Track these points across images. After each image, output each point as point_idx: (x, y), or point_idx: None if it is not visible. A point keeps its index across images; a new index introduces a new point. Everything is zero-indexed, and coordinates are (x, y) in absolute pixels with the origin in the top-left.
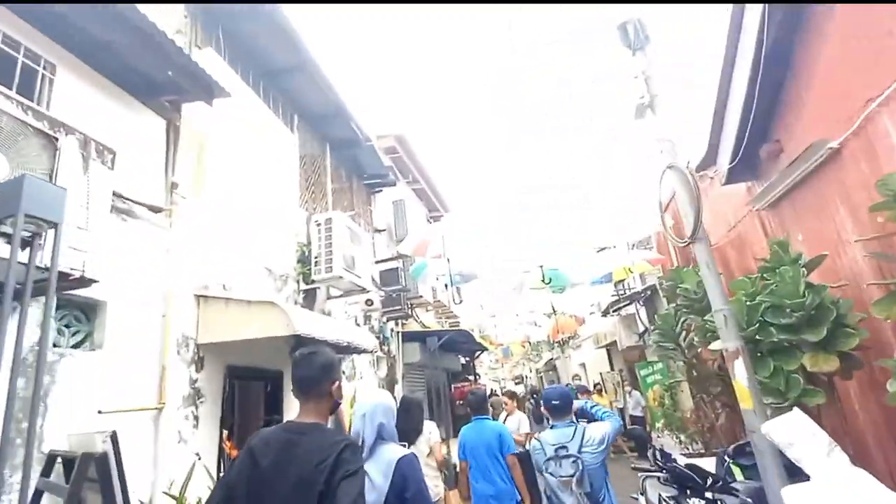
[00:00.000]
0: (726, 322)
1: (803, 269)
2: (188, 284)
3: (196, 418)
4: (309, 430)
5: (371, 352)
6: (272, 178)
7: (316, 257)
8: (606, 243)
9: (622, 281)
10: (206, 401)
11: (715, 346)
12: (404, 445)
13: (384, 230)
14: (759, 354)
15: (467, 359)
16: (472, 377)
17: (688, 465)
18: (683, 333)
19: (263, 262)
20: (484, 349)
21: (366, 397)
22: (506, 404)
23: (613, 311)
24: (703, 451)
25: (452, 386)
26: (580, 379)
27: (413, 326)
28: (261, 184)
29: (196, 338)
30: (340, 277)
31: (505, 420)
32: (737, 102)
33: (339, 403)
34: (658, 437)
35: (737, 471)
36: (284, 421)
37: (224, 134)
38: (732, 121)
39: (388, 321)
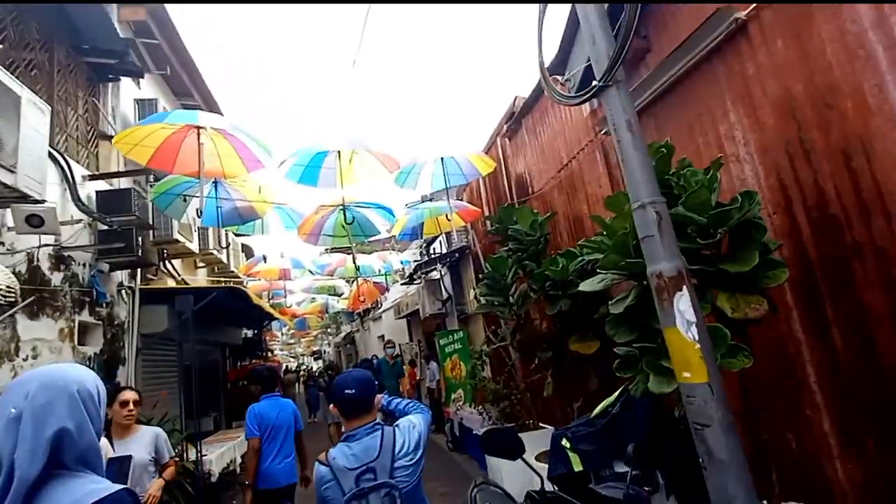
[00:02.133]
0: (659, 225)
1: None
2: None
3: None
4: None
5: (3, 304)
6: None
7: None
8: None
9: (431, 241)
10: None
11: (588, 285)
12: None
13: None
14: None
15: (254, 331)
16: (262, 353)
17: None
18: (514, 286)
19: None
20: (272, 318)
21: (26, 375)
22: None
23: (419, 276)
24: (512, 426)
25: (238, 364)
26: (393, 347)
27: (166, 284)
28: None
29: None
30: None
31: None
32: None
33: None
34: (457, 410)
35: (574, 459)
36: None
37: None
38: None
39: (110, 270)
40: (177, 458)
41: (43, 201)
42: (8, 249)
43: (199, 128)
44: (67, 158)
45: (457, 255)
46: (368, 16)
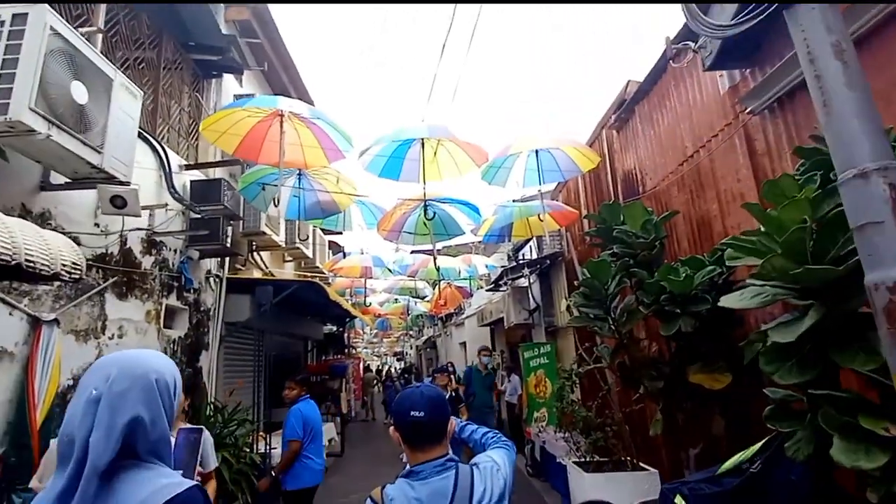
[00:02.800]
0: (894, 206)
1: None
2: None
3: None
4: None
5: (63, 278)
6: None
7: None
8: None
9: (521, 245)
10: None
11: (733, 300)
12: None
13: None
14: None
15: (337, 328)
16: (345, 349)
17: None
18: (617, 298)
19: None
20: (351, 316)
21: (107, 358)
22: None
23: (505, 282)
24: (604, 461)
25: (323, 358)
26: (490, 355)
27: (252, 275)
28: None
29: None
30: (32, 130)
31: None
32: None
33: None
34: (539, 432)
35: None
36: None
37: None
38: None
39: (200, 258)
40: (245, 453)
41: (128, 183)
42: (102, 231)
43: (281, 116)
44: (166, 148)
45: (548, 261)
46: (457, 8)
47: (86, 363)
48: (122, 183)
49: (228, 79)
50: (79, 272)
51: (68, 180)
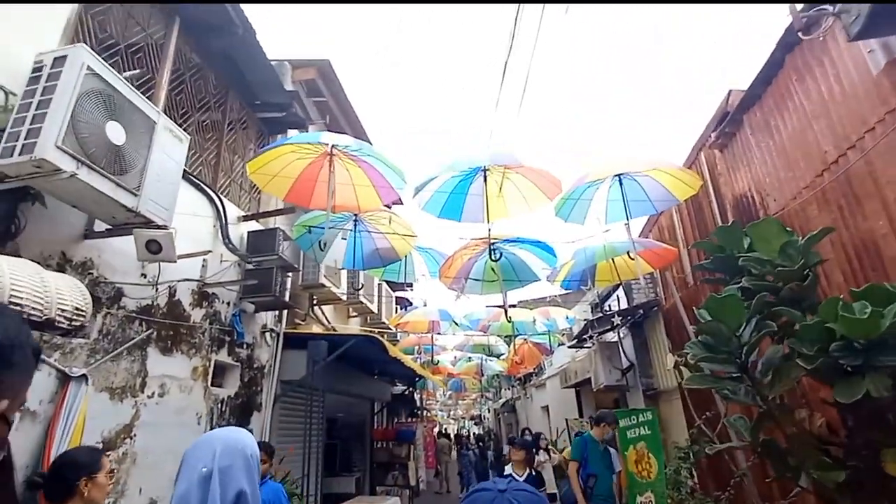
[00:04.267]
0: None
1: None
2: None
3: None
4: None
5: (60, 325)
6: None
7: (17, 119)
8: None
9: (607, 296)
10: None
11: None
12: None
13: None
14: None
15: (408, 388)
16: (418, 412)
17: None
18: (754, 348)
19: None
20: (417, 376)
21: (209, 436)
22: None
23: (591, 336)
24: None
25: (395, 421)
26: (530, 434)
27: (312, 330)
28: None
29: None
30: (58, 170)
31: None
32: None
33: None
34: None
35: None
36: None
37: None
38: None
39: (255, 311)
40: None
41: (165, 227)
42: (149, 282)
43: (331, 155)
44: (223, 199)
45: (641, 312)
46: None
47: (120, 424)
48: (160, 227)
49: (292, 133)
50: (82, 318)
51: (109, 227)
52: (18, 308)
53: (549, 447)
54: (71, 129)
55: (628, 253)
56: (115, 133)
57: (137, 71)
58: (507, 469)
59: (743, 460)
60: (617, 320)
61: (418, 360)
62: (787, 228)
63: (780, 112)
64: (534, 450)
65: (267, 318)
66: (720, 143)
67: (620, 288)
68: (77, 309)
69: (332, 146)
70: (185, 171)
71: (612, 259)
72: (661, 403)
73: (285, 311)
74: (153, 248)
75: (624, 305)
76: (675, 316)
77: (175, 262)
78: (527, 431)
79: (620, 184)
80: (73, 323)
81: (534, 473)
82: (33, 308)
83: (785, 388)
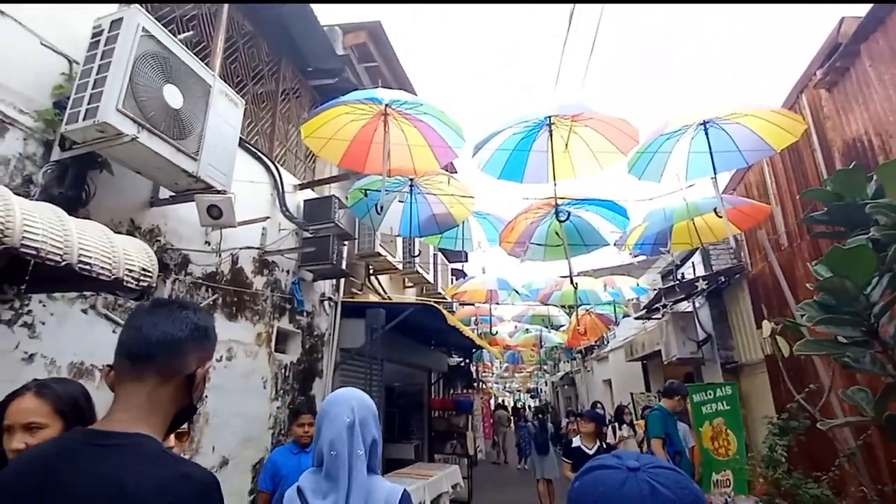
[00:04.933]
0: None
1: None
2: None
3: None
4: (130, 444)
5: (128, 285)
6: None
7: (80, 85)
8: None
9: (681, 263)
10: None
11: None
12: None
13: None
14: None
15: (464, 360)
16: (474, 383)
17: None
18: (886, 311)
19: None
20: (477, 346)
21: (343, 393)
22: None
23: (663, 306)
24: None
25: (451, 392)
26: (601, 407)
27: (369, 299)
28: None
29: None
30: (120, 133)
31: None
32: None
33: (195, 409)
34: (727, 502)
35: None
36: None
37: None
38: None
39: (314, 280)
40: None
41: (224, 192)
42: (212, 249)
43: (385, 116)
44: (280, 168)
45: (723, 278)
46: None
47: None
48: (219, 192)
49: None
50: (149, 279)
51: (172, 194)
52: (87, 267)
53: (635, 421)
54: (130, 93)
55: (715, 210)
56: (173, 96)
57: (191, 33)
58: (576, 441)
59: (851, 439)
60: (702, 285)
61: (476, 331)
62: None
63: None
64: (615, 423)
65: (325, 286)
66: (828, 81)
67: (697, 253)
68: (144, 270)
69: (387, 105)
70: (241, 139)
71: (692, 220)
72: (742, 378)
73: (342, 281)
74: (214, 214)
75: (700, 273)
76: (765, 283)
77: (235, 226)
78: (598, 405)
79: (706, 133)
80: (141, 283)
81: (605, 446)
82: (102, 268)
83: None
